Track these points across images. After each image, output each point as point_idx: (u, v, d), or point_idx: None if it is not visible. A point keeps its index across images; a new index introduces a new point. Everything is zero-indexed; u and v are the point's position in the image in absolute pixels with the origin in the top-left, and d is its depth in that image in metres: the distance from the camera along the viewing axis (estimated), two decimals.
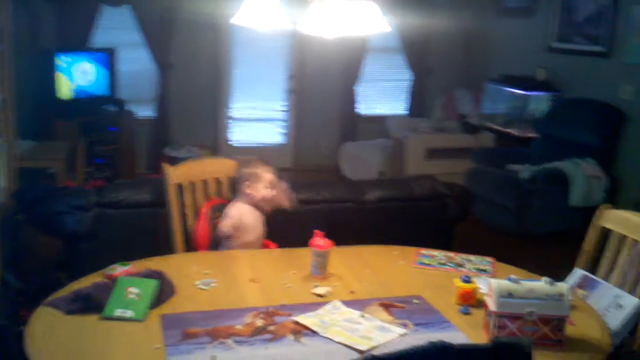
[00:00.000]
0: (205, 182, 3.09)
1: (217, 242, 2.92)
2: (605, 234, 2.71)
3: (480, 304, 2.23)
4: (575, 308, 2.32)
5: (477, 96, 7.19)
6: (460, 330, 2.10)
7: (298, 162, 7.55)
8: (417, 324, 2.12)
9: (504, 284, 2.06)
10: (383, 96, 7.96)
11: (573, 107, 5.99)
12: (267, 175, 2.94)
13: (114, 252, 2.61)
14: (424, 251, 2.84)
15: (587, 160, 5.54)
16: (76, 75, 6.16)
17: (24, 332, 1.97)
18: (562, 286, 2.07)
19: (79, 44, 6.34)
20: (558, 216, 5.51)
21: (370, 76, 7.67)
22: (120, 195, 3.42)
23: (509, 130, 6.66)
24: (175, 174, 2.99)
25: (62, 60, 5.99)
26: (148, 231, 3.27)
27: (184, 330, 1.99)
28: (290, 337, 1.99)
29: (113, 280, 2.22)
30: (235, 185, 3.03)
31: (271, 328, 2.03)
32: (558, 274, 2.52)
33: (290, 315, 2.12)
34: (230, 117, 7.33)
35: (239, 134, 7.41)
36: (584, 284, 2.58)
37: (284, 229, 3.07)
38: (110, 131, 6.35)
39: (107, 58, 6.38)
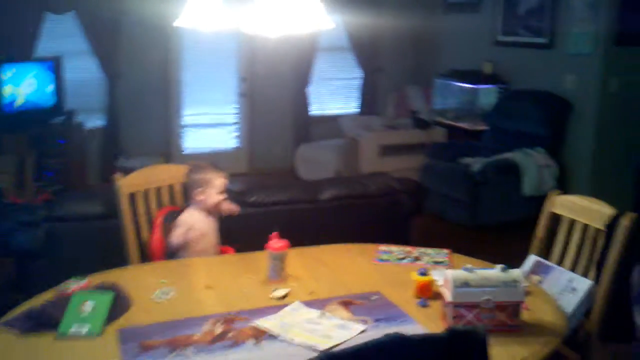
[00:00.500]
0: (158, 190, 3.05)
1: (172, 252, 2.89)
2: (557, 219, 2.76)
3: (438, 295, 2.25)
4: (530, 293, 2.36)
5: (427, 92, 7.28)
6: (418, 323, 2.12)
7: (253, 166, 7.52)
8: (376, 320, 2.13)
9: (459, 274, 2.08)
10: (335, 96, 7.98)
11: (520, 98, 6.10)
12: (219, 180, 2.91)
13: (68, 267, 2.55)
14: (383, 247, 2.85)
15: (537, 149, 5.65)
16: (22, 87, 6.00)
17: None
18: (516, 272, 2.11)
19: (23, 54, 6.17)
20: (511, 206, 5.60)
21: (321, 76, 7.69)
22: (71, 208, 3.35)
23: (460, 124, 6.75)
24: (126, 184, 2.95)
25: (6, 72, 5.83)
26: (102, 244, 3.21)
27: (142, 342, 1.96)
28: (251, 342, 1.97)
29: (68, 296, 2.17)
30: (187, 192, 2.99)
31: (231, 334, 2.01)
32: (514, 263, 2.56)
33: (249, 320, 2.11)
34: (183, 124, 7.25)
35: (193, 141, 7.33)
36: (538, 269, 2.63)
37: (240, 234, 3.05)
38: (60, 143, 6.20)
39: (53, 67, 6.22)
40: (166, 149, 7.13)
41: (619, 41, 5.45)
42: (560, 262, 2.67)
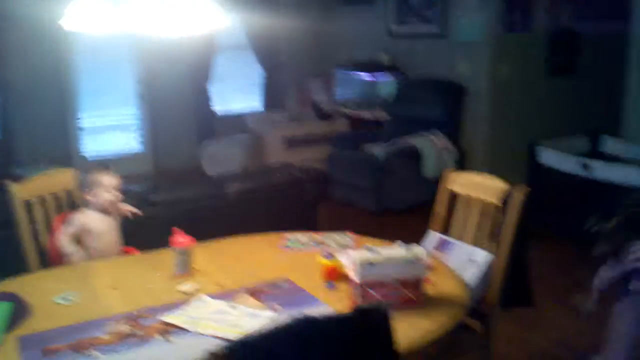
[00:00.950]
0: (55, 195, 2.96)
1: (61, 252, 2.81)
2: (454, 196, 2.86)
3: (345, 277, 2.28)
4: (433, 269, 2.43)
5: (328, 84, 7.36)
6: (327, 305, 2.15)
7: (159, 167, 7.39)
8: (286, 306, 2.14)
9: (363, 254, 2.13)
10: (238, 93, 7.95)
11: (418, 86, 6.28)
12: (106, 179, 2.85)
13: None
14: (289, 235, 2.88)
15: (435, 133, 5.83)
16: None
17: None
18: (417, 249, 2.17)
19: None
20: (415, 189, 5.76)
21: (222, 74, 7.63)
22: None
23: (361, 114, 6.87)
24: (21, 191, 2.84)
25: None
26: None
27: (44, 348, 1.89)
28: (159, 337, 1.94)
29: None
30: (80, 195, 2.93)
31: (138, 332, 1.98)
32: (420, 243, 2.64)
33: (156, 316, 2.08)
34: (81, 128, 7.02)
35: (93, 145, 7.12)
36: (440, 245, 2.72)
37: (147, 234, 3.00)
38: None
39: None
40: (65, 155, 6.88)
41: (508, 28, 5.70)
42: (460, 237, 2.76)
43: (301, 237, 2.85)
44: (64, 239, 2.76)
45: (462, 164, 5.83)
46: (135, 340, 1.93)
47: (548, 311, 3.84)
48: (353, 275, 2.14)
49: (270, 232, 2.93)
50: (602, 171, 4.40)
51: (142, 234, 3.00)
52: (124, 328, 2.00)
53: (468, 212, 2.77)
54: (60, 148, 6.87)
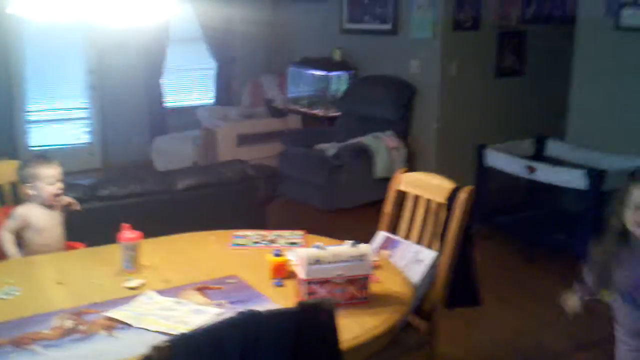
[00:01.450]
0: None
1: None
2: (403, 196, 2.91)
3: (293, 275, 2.30)
4: (380, 267, 2.48)
5: (281, 80, 7.36)
6: (274, 302, 2.16)
7: (108, 161, 7.28)
8: (232, 302, 2.15)
9: (311, 252, 2.15)
10: (190, 86, 7.89)
11: (369, 84, 6.33)
12: (46, 171, 2.78)
13: None
14: (238, 232, 2.88)
15: (386, 133, 5.90)
16: None
17: None
18: (364, 247, 2.21)
19: None
20: (366, 188, 5.81)
21: (175, 67, 7.56)
22: None
23: (314, 111, 6.90)
24: None
25: None
26: None
27: None
28: (103, 333, 1.93)
29: None
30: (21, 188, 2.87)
31: (81, 327, 1.96)
32: (369, 242, 2.67)
33: (101, 311, 2.06)
34: (28, 120, 6.87)
35: (41, 137, 6.96)
36: (387, 244, 2.76)
37: (94, 229, 2.96)
38: None
39: None
40: (12, 147, 6.71)
41: (456, 26, 5.81)
42: (407, 236, 2.81)
43: (250, 234, 2.86)
44: (4, 235, 2.70)
45: (411, 163, 5.91)
46: (79, 336, 1.91)
47: (492, 310, 3.93)
48: (300, 272, 2.16)
49: (219, 229, 2.93)
50: (546, 174, 4.52)
51: (89, 228, 2.97)
52: (68, 323, 1.98)
53: (415, 212, 2.82)
54: (7, 140, 6.71)
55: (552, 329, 3.79)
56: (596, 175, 4.19)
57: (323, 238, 2.76)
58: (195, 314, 2.05)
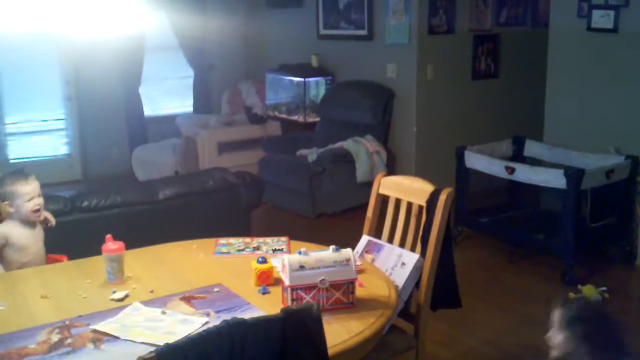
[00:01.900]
0: None
1: None
2: (385, 200, 2.93)
3: (278, 281, 2.32)
4: (364, 271, 2.50)
5: (260, 87, 7.37)
6: (260, 310, 2.17)
7: (88, 173, 7.23)
8: (218, 311, 2.16)
9: (294, 258, 2.17)
10: (169, 95, 7.87)
11: (348, 89, 6.36)
12: (24, 188, 2.75)
13: None
14: (222, 240, 2.89)
15: (366, 137, 5.93)
16: None
17: None
18: (347, 252, 2.23)
19: None
20: (348, 193, 5.84)
21: (153, 76, 7.54)
22: None
23: (293, 117, 6.92)
24: None
25: None
26: None
27: None
28: (90, 346, 1.93)
29: None
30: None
31: (68, 341, 1.96)
32: (354, 246, 2.70)
33: (88, 324, 2.06)
34: (6, 133, 6.80)
35: (19, 150, 6.90)
36: (371, 248, 2.78)
37: (76, 241, 2.96)
38: None
39: None
40: None
41: (431, 31, 5.87)
42: (390, 240, 2.84)
43: (234, 242, 2.87)
44: None
45: (392, 167, 5.95)
46: (66, 350, 1.91)
47: (477, 311, 3.97)
48: (285, 278, 2.17)
49: (203, 237, 2.93)
50: (525, 174, 4.58)
51: (71, 241, 2.96)
52: (54, 337, 1.97)
53: (397, 215, 2.85)
54: None
55: (535, 327, 3.82)
56: (574, 175, 4.24)
57: (306, 244, 2.77)
58: (182, 324, 2.06)
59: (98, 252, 2.52)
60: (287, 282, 2.15)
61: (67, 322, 2.08)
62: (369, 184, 5.62)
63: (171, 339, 1.94)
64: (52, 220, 2.94)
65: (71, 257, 2.85)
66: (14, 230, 2.75)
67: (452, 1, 5.97)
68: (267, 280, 2.37)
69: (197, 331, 1.99)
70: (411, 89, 5.93)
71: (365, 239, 2.86)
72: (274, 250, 2.74)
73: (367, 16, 6.25)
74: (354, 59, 6.51)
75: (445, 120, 6.09)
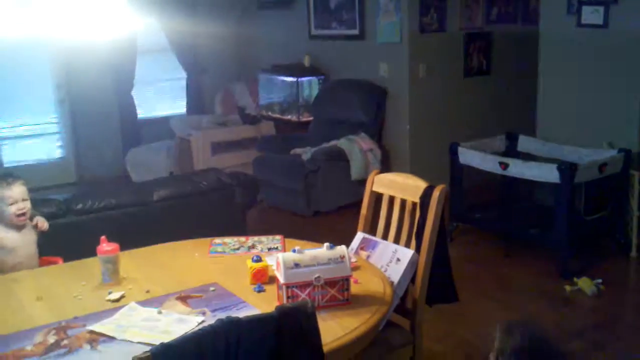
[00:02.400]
0: None
1: None
2: (379, 197, 2.94)
3: (273, 280, 2.32)
4: (359, 268, 2.51)
5: (252, 88, 7.38)
6: (256, 308, 2.18)
7: (82, 175, 7.22)
8: (214, 310, 2.17)
9: (289, 256, 2.17)
10: (162, 97, 7.87)
11: (340, 88, 6.37)
12: (5, 192, 2.77)
13: None
14: (217, 240, 2.89)
15: (360, 135, 5.94)
16: None
17: None
18: (342, 249, 2.24)
19: None
20: (344, 191, 5.84)
21: (145, 78, 7.54)
22: None
23: (287, 117, 6.93)
24: None
25: None
26: None
27: None
28: (87, 346, 1.94)
29: None
30: None
31: (65, 342, 1.96)
32: (348, 244, 2.70)
33: (84, 325, 2.07)
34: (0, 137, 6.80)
35: (12, 154, 6.88)
36: (365, 245, 2.79)
37: (71, 243, 2.96)
38: None
39: None
40: None
41: (422, 29, 5.88)
42: (384, 237, 2.84)
43: (229, 241, 2.87)
44: None
45: (386, 165, 5.96)
46: (63, 351, 1.91)
47: (473, 306, 3.98)
48: (280, 276, 2.18)
49: (198, 238, 2.94)
50: (518, 169, 4.59)
51: (66, 243, 2.96)
52: (51, 339, 1.98)
53: (391, 212, 2.86)
54: None
55: (532, 320, 3.85)
56: (567, 169, 4.26)
57: (301, 242, 2.78)
58: (178, 324, 2.06)
59: (93, 254, 2.52)
60: (282, 280, 2.15)
61: (63, 324, 2.08)
62: (363, 182, 5.63)
63: (167, 339, 1.95)
64: (44, 225, 2.94)
65: (66, 259, 2.85)
66: (2, 234, 2.76)
67: (443, 0, 5.99)
68: (262, 279, 2.38)
69: (193, 330, 2.01)
70: (403, 87, 5.94)
71: (359, 235, 2.87)
72: (269, 249, 2.75)
73: (358, 16, 6.26)
74: (346, 58, 6.52)
75: (438, 117, 6.10)
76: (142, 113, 7.54)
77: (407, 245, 2.74)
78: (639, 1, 4.66)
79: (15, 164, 6.80)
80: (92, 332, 2.02)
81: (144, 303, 2.23)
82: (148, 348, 1.89)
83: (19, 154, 6.91)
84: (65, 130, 7.16)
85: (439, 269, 2.74)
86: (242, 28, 7.73)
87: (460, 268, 3.43)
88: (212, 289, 2.36)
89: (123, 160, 7.22)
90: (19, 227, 2.82)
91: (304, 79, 6.77)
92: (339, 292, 2.19)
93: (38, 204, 3.15)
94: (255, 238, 2.90)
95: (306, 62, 6.79)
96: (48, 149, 7.13)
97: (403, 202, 2.81)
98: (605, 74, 4.86)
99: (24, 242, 2.82)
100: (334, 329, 2.02)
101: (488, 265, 4.70)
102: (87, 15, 2.26)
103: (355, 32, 6.32)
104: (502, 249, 4.87)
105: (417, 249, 2.67)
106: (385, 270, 2.60)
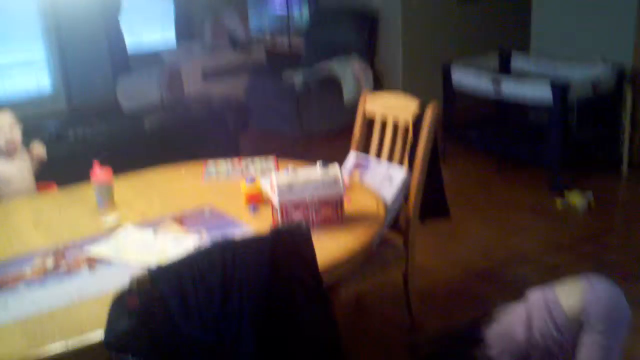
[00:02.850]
0: None
1: None
2: (371, 118, 2.93)
3: (267, 200, 2.34)
4: (352, 187, 2.53)
5: (243, 15, 7.23)
6: (251, 227, 2.20)
7: (73, 105, 7.14)
8: (210, 230, 2.19)
9: (282, 177, 2.18)
10: (151, 25, 7.71)
11: (331, 14, 6.27)
12: None
13: None
14: (211, 163, 2.90)
15: (352, 58, 5.87)
16: None
17: None
18: (335, 168, 2.24)
19: None
20: (335, 114, 5.82)
21: (133, 5, 7.36)
22: None
23: (278, 43, 6.83)
24: None
25: None
26: None
27: None
28: (85, 268, 1.97)
29: None
30: None
31: (63, 266, 1.99)
32: (341, 165, 2.71)
33: (81, 249, 2.09)
34: None
35: (2, 86, 6.79)
36: (359, 164, 2.80)
37: (65, 169, 2.96)
38: None
39: None
40: None
41: None
42: (377, 156, 2.85)
43: (223, 164, 2.88)
44: None
45: (379, 87, 5.91)
46: (61, 273, 1.94)
47: (465, 223, 4.04)
48: (273, 197, 2.19)
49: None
50: (511, 87, 4.57)
51: (60, 170, 2.96)
52: (49, 262, 2.00)
53: (384, 132, 2.85)
54: None
55: (522, 234, 3.91)
56: (560, 87, 4.24)
57: (293, 161, 2.79)
58: (174, 244, 2.09)
59: (86, 180, 2.53)
60: (276, 201, 2.17)
61: (60, 248, 2.11)
62: (355, 106, 5.63)
63: (164, 258, 1.98)
64: (42, 152, 2.94)
65: (61, 186, 2.86)
66: None
67: None
68: (256, 200, 2.40)
69: (189, 250, 2.03)
70: (396, 15, 5.83)
71: (353, 155, 2.88)
72: (262, 170, 2.75)
73: None
74: None
75: (431, 37, 6.01)
76: (130, 41, 7.40)
77: (400, 164, 2.75)
78: None
79: (5, 97, 6.72)
80: (89, 255, 2.05)
81: (139, 225, 2.26)
82: (145, 269, 1.94)
83: (7, 85, 6.82)
84: (54, 60, 7.04)
85: (431, 186, 2.76)
86: None
87: (452, 186, 3.46)
88: (207, 210, 2.38)
89: (113, 89, 7.14)
90: (12, 157, 2.81)
91: (295, 4, 6.64)
92: (332, 211, 2.21)
93: (29, 133, 3.13)
94: (249, 160, 2.90)
95: None
96: (37, 79, 7.03)
97: (396, 122, 2.80)
98: None
99: (17, 169, 2.82)
100: (329, 246, 2.04)
101: (480, 183, 4.74)
102: None
103: None
104: (495, 167, 4.90)
105: (410, 168, 2.68)
106: (379, 189, 2.62)
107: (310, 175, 2.21)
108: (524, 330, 2.18)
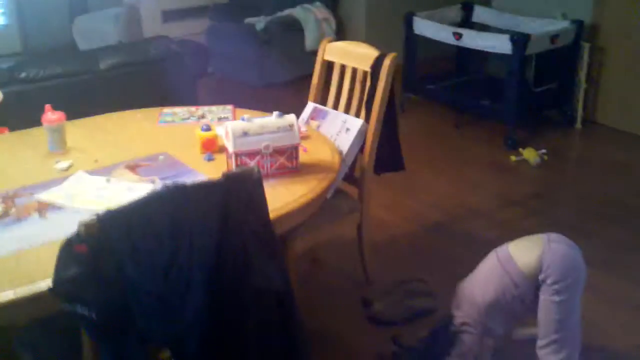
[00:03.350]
0: None
1: None
2: (330, 66, 2.91)
3: (222, 149, 2.33)
4: (309, 137, 2.53)
5: None
6: (205, 176, 2.20)
7: (28, 44, 6.92)
8: (163, 178, 2.17)
9: (237, 124, 2.17)
10: None
11: None
12: None
13: None
14: (166, 110, 2.86)
15: (315, 4, 5.79)
16: None
17: None
18: (291, 117, 2.24)
19: None
20: (297, 62, 5.77)
21: None
22: None
23: None
24: None
25: None
26: None
27: None
28: (35, 215, 1.94)
29: None
30: None
31: (12, 211, 1.96)
32: (300, 115, 2.70)
33: (32, 194, 2.06)
34: None
35: None
36: (316, 115, 2.80)
37: (16, 112, 2.90)
38: None
39: None
40: None
41: None
42: (335, 106, 2.85)
43: (179, 111, 2.85)
44: None
45: (342, 35, 5.86)
46: (11, 220, 1.92)
47: (421, 176, 4.09)
48: (228, 145, 2.18)
49: (149, 107, 2.90)
50: (472, 40, 4.58)
51: (10, 112, 2.89)
52: None
53: (342, 81, 2.85)
54: None
55: (478, 190, 3.98)
56: (520, 40, 4.26)
57: (250, 111, 2.77)
58: (127, 192, 2.07)
59: (39, 124, 2.48)
60: (230, 149, 2.16)
61: (10, 193, 2.08)
62: (316, 53, 5.59)
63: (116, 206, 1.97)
64: None
65: (11, 129, 2.80)
66: None
67: None
68: (211, 148, 2.38)
69: (138, 197, 2.02)
70: None
71: (310, 106, 2.87)
72: (219, 119, 2.74)
73: None
74: None
75: None
76: None
77: (357, 114, 2.76)
78: None
79: None
80: (40, 200, 2.02)
81: (92, 172, 2.23)
82: (94, 214, 1.92)
83: None
84: None
85: (387, 139, 2.78)
86: None
87: (410, 139, 3.49)
88: (161, 157, 2.36)
89: (70, 29, 6.93)
90: None
91: None
92: (287, 160, 2.22)
93: None
94: (206, 108, 2.88)
95: None
96: None
97: (354, 71, 2.80)
98: None
99: None
100: (283, 195, 2.06)
101: (438, 136, 4.79)
102: None
103: None
104: (453, 120, 4.94)
105: (367, 119, 2.69)
106: (335, 140, 2.63)
107: (266, 124, 2.20)
108: (483, 292, 2.25)
